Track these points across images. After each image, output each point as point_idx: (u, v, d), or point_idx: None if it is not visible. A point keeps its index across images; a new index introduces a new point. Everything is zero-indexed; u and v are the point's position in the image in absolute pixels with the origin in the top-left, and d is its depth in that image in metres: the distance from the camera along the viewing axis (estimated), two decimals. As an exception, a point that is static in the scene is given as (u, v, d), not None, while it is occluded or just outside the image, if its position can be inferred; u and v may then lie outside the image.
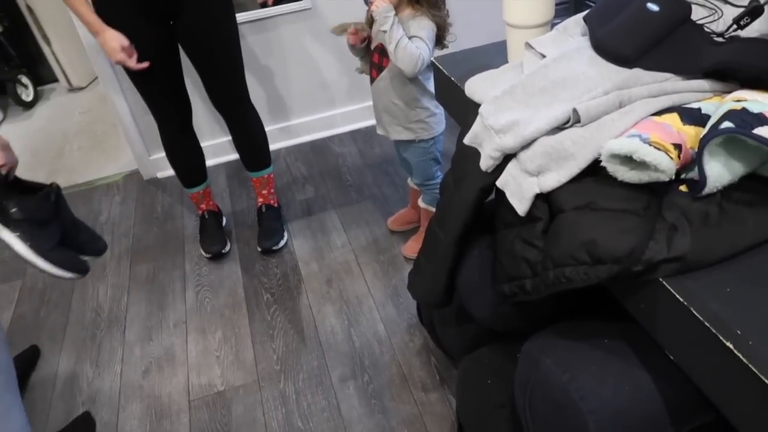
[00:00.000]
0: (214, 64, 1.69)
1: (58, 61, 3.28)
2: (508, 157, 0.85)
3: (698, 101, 0.76)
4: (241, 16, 2.21)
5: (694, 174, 0.70)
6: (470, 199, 0.92)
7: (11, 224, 1.17)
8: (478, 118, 0.88)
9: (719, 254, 0.65)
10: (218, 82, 1.72)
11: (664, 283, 0.64)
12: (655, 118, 0.73)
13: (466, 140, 0.91)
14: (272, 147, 2.39)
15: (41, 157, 2.77)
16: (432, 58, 1.25)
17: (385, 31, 1.42)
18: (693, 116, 0.72)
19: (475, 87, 0.98)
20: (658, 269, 0.65)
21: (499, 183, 0.85)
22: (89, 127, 2.98)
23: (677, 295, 0.63)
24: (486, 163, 0.86)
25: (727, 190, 0.68)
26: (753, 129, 0.63)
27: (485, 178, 0.89)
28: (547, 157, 0.78)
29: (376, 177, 2.26)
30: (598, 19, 0.88)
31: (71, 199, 2.39)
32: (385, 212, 2.07)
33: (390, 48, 1.44)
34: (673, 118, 0.72)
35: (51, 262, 1.19)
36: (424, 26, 1.47)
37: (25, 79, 3.26)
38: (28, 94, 3.26)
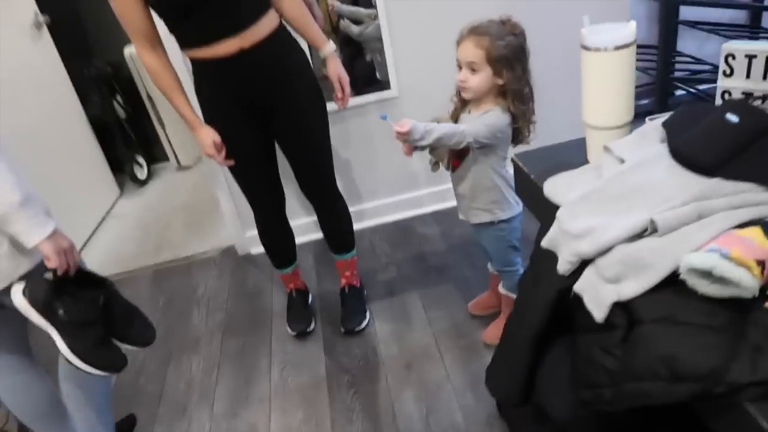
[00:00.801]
0: (305, 158, 1.81)
1: (170, 143, 3.62)
2: (585, 261, 0.86)
3: (784, 214, 0.74)
4: (332, 105, 2.36)
5: (781, 291, 0.68)
6: (548, 300, 0.92)
7: (57, 323, 1.30)
8: (555, 222, 0.90)
9: (811, 380, 0.62)
10: (307, 173, 1.85)
11: (749, 408, 0.62)
12: (737, 231, 0.72)
13: (544, 243, 0.92)
14: (357, 226, 2.48)
15: (150, 231, 3.02)
16: (512, 156, 1.29)
17: (433, 142, 1.47)
18: (778, 230, 0.71)
19: (553, 188, 1.01)
20: (742, 392, 0.63)
21: (576, 288, 0.86)
22: (193, 204, 3.23)
23: (764, 423, 0.60)
24: (563, 267, 0.87)
25: (819, 310, 0.65)
26: (842, 250, 0.61)
27: (563, 281, 0.89)
28: (624, 265, 0.78)
29: (457, 259, 2.29)
30: (677, 126, 0.89)
31: (173, 273, 2.59)
32: (466, 295, 2.07)
33: (443, 144, 1.49)
34: (756, 232, 0.71)
35: (86, 361, 1.32)
36: (493, 121, 1.51)
37: (141, 159, 3.61)
38: (142, 173, 3.60)
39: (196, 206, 3.19)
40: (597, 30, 1.03)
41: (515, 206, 1.66)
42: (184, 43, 1.61)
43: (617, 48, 1.00)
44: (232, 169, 1.80)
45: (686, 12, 2.91)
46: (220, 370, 1.99)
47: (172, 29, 1.59)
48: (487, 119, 1.51)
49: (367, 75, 2.43)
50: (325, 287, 2.29)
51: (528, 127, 1.60)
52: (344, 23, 2.39)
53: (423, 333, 1.96)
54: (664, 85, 2.66)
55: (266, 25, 1.60)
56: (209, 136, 1.67)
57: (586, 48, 1.02)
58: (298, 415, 1.75)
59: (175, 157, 3.66)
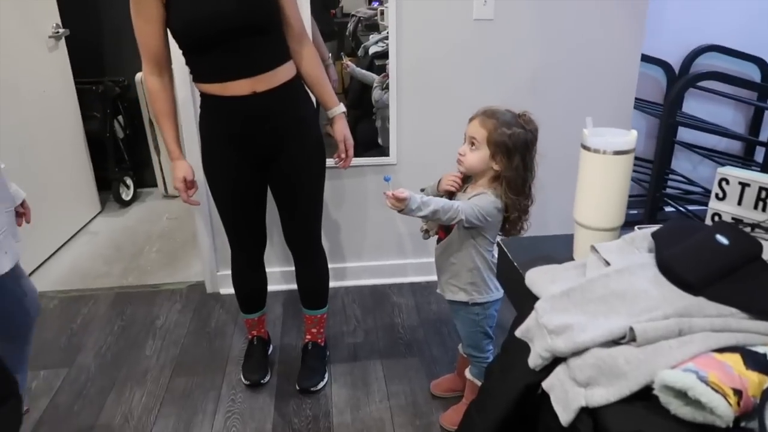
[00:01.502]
0: (295, 210, 1.80)
1: (161, 169, 3.61)
2: (558, 358, 0.83)
3: (765, 345, 0.73)
4: (333, 161, 2.37)
5: (754, 425, 0.65)
6: (513, 393, 0.89)
7: None
8: (533, 313, 0.87)
9: None
10: (294, 224, 1.83)
11: None
12: (716, 355, 0.70)
13: (518, 333, 0.90)
14: (333, 284, 2.44)
15: (123, 253, 2.95)
16: (499, 239, 1.28)
17: (428, 214, 1.46)
18: (758, 362, 0.69)
19: (535, 278, 0.99)
20: None
21: (545, 385, 0.82)
22: (171, 233, 3.18)
23: None
24: (534, 362, 0.84)
25: (792, 452, 0.63)
26: (820, 392, 0.59)
27: (532, 376, 0.86)
28: (597, 370, 0.75)
29: (428, 334, 2.24)
30: (667, 239, 0.88)
31: (136, 299, 2.51)
32: (431, 373, 2.01)
33: (440, 220, 1.49)
34: (736, 360, 0.69)
35: None
36: (482, 203, 1.51)
37: (129, 181, 3.58)
38: (127, 194, 3.56)
39: (174, 236, 3.13)
40: (599, 132, 1.05)
41: (494, 292, 1.64)
42: (198, 77, 1.62)
43: (616, 153, 1.01)
44: (219, 205, 1.78)
45: (684, 133, 3.02)
46: (162, 408, 1.89)
47: (188, 61, 1.61)
48: (478, 201, 1.52)
49: (370, 139, 2.46)
50: (288, 340, 2.22)
51: (521, 219, 1.61)
52: (374, 87, 2.44)
53: (380, 405, 1.88)
54: (655, 199, 2.72)
55: (282, 74, 1.62)
56: (182, 170, 1.67)
57: (586, 148, 1.03)
58: (234, 471, 1.65)
59: (164, 184, 3.64)
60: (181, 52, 1.61)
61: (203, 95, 1.65)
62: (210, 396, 1.94)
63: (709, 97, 2.96)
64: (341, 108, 1.78)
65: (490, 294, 1.64)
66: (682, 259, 0.82)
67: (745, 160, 3.09)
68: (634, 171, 3.04)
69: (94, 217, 3.35)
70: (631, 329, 0.75)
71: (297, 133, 1.69)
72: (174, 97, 1.68)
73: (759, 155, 3.10)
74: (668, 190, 3.00)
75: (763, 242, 0.83)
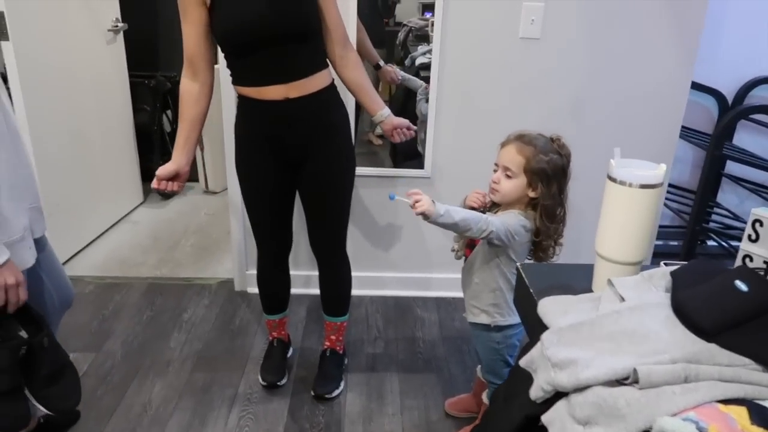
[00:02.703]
0: (321, 215, 1.82)
1: (204, 165, 3.70)
2: (560, 393, 0.81)
3: (775, 400, 0.69)
4: (367, 170, 2.40)
5: (754, 484, 0.62)
6: (514, 423, 0.87)
7: None
8: (539, 344, 0.86)
9: None
10: (321, 230, 1.85)
11: None
12: (720, 406, 0.68)
13: (522, 362, 0.88)
14: (359, 293, 2.46)
15: (159, 244, 3.04)
16: (518, 264, 1.26)
17: (456, 221, 1.43)
18: (764, 417, 0.66)
19: (547, 308, 0.97)
20: None
21: (544, 419, 0.81)
22: (208, 228, 3.25)
23: None
24: (536, 393, 0.83)
25: None
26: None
27: (534, 407, 0.85)
28: (597, 409, 0.74)
29: (448, 352, 2.22)
30: (685, 279, 0.86)
31: (166, 290, 2.58)
32: (447, 391, 1.99)
33: (469, 230, 1.46)
34: (741, 413, 0.66)
35: None
36: (510, 220, 1.49)
37: (172, 174, 3.67)
38: (170, 187, 3.65)
39: (209, 232, 3.20)
40: (626, 164, 1.02)
41: (516, 315, 1.61)
42: (236, 80, 1.66)
43: (643, 186, 0.98)
44: (247, 204, 1.81)
45: (734, 167, 2.91)
46: (180, 400, 1.93)
47: (228, 64, 1.65)
48: (505, 218, 1.50)
49: (411, 150, 2.46)
50: (309, 344, 2.24)
51: (553, 246, 1.58)
52: (418, 99, 2.46)
53: (392, 419, 1.88)
54: (695, 232, 2.63)
55: (317, 81, 1.64)
56: (169, 166, 1.65)
57: (611, 179, 1.01)
58: (242, 470, 1.67)
59: (205, 180, 3.73)
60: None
61: (240, 97, 1.69)
62: (227, 393, 1.97)
63: (761, 131, 2.85)
64: (387, 111, 1.78)
65: (513, 317, 1.61)
66: (698, 302, 0.80)
67: (796, 199, 2.95)
68: (677, 202, 2.98)
69: (137, 207, 3.46)
70: (635, 370, 0.72)
71: (326, 139, 1.71)
72: (202, 105, 1.67)
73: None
74: (712, 224, 2.90)
75: (785, 292, 0.80)
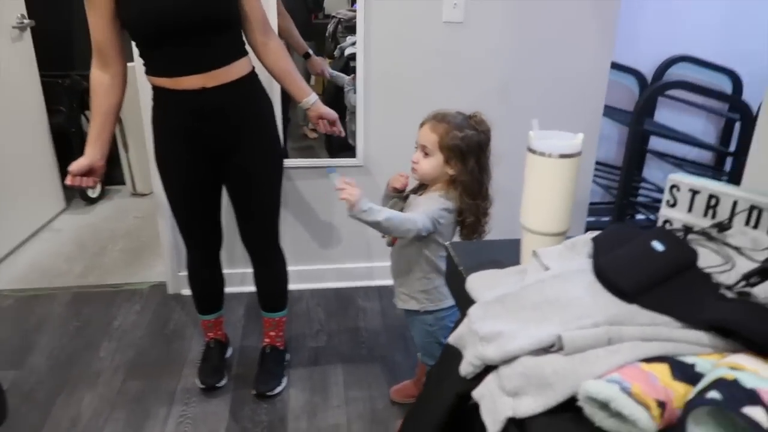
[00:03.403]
0: (250, 209, 1.76)
1: (130, 167, 3.54)
2: (490, 367, 0.80)
3: (695, 355, 0.70)
4: (300, 162, 2.35)
5: (678, 438, 0.62)
6: (446, 402, 0.86)
7: None
8: (466, 319, 0.85)
9: None
10: (251, 225, 1.79)
11: None
12: (643, 365, 0.68)
13: (451, 339, 0.87)
14: (299, 286, 2.41)
15: (84, 251, 2.88)
16: (446, 243, 1.25)
17: (379, 220, 1.43)
18: (685, 372, 0.67)
19: (475, 283, 0.96)
20: None
21: (474, 394, 0.79)
22: (137, 232, 3.11)
23: None
24: (465, 369, 0.81)
25: (713, 467, 0.60)
26: (742, 406, 0.56)
27: (464, 384, 0.83)
28: (525, 379, 0.73)
29: (391, 340, 2.21)
30: (605, 244, 0.86)
31: (94, 298, 2.45)
32: (391, 379, 1.98)
33: (392, 231, 1.45)
34: (663, 370, 0.67)
35: None
36: (428, 204, 1.48)
37: (96, 178, 3.50)
38: (94, 192, 3.48)
39: (139, 236, 3.07)
40: (545, 135, 1.02)
41: (447, 299, 1.60)
42: (150, 70, 1.58)
43: (562, 156, 0.98)
44: (170, 201, 1.73)
45: (657, 143, 3.02)
46: (112, 412, 1.83)
47: (141, 54, 1.57)
48: (427, 206, 1.49)
49: (343, 141, 2.42)
50: (249, 343, 2.18)
51: (481, 222, 1.58)
52: (346, 90, 2.42)
53: (337, 411, 1.85)
54: (623, 206, 2.72)
55: (236, 70, 1.58)
56: (82, 161, 1.56)
57: (531, 151, 1.01)
58: (181, 478, 1.60)
59: (132, 182, 3.57)
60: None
61: (154, 88, 1.60)
62: (163, 400, 1.89)
63: (681, 107, 2.97)
64: (314, 96, 1.74)
65: (443, 302, 1.60)
66: (617, 265, 0.80)
67: (715, 170, 3.10)
68: (606, 178, 3.06)
69: (59, 213, 3.28)
70: (560, 337, 0.72)
71: (252, 130, 1.65)
72: (115, 97, 1.58)
73: (729, 166, 3.12)
74: (640, 198, 3.01)
75: (699, 249, 0.81)
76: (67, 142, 3.30)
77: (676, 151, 3.05)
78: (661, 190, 3.03)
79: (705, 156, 3.22)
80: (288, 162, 2.30)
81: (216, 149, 1.65)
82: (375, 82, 2.30)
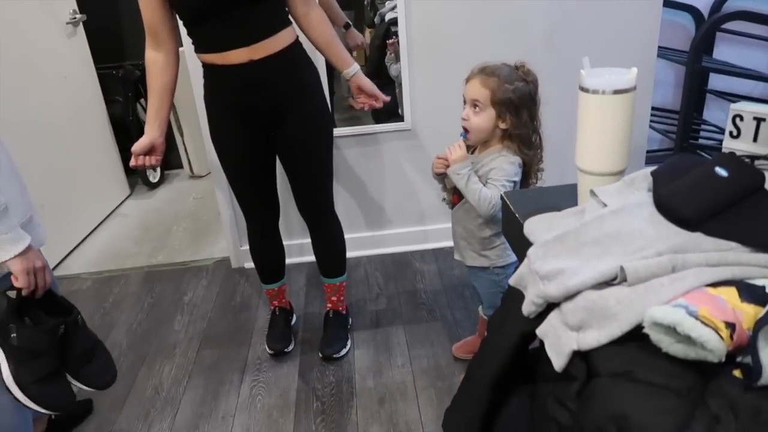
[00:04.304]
0: (304, 177, 1.79)
1: (186, 150, 3.65)
2: (552, 305, 0.81)
3: (764, 278, 0.68)
4: (348, 130, 2.37)
5: (750, 359, 0.62)
6: (510, 342, 0.87)
7: (6, 347, 1.20)
8: (525, 260, 0.85)
9: (769, 460, 0.55)
10: (305, 192, 1.82)
11: (696, 483, 0.55)
12: (709, 289, 0.67)
13: (512, 281, 0.88)
14: (356, 254, 2.45)
15: (151, 233, 3.02)
16: (502, 193, 1.25)
17: (462, 185, 1.48)
18: (754, 294, 0.65)
19: (533, 227, 0.96)
20: (693, 464, 0.57)
21: (539, 332, 0.80)
22: (198, 212, 3.23)
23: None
24: (528, 309, 0.82)
25: (789, 386, 0.59)
26: (815, 320, 0.55)
27: (527, 324, 0.84)
28: (589, 312, 0.73)
29: (450, 299, 2.22)
30: (666, 176, 0.84)
31: (164, 276, 2.57)
32: (453, 337, 2.00)
33: (467, 197, 1.48)
34: (730, 293, 0.65)
35: (27, 395, 1.20)
36: (504, 168, 1.48)
37: (155, 163, 3.63)
38: (155, 177, 3.62)
39: (200, 215, 3.18)
40: (597, 73, 1.00)
41: (512, 254, 1.61)
42: (198, 47, 1.62)
43: (616, 92, 0.96)
44: (228, 175, 1.79)
45: (717, 82, 2.88)
46: (190, 379, 1.94)
47: (189, 32, 1.61)
48: (498, 169, 1.49)
49: (390, 107, 2.42)
50: (312, 310, 2.24)
51: (535, 174, 1.57)
52: (388, 62, 2.41)
53: (402, 370, 1.89)
54: (683, 149, 2.61)
55: (280, 40, 1.60)
56: (143, 141, 1.61)
57: (584, 90, 0.99)
58: (260, 437, 1.69)
59: (189, 165, 3.69)
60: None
61: (204, 65, 1.64)
62: (236, 367, 1.98)
63: (742, 41, 2.81)
64: (356, 67, 1.75)
65: (510, 256, 1.61)
66: (679, 194, 0.78)
67: (781, 105, 2.93)
68: (664, 123, 2.94)
69: (124, 199, 3.43)
70: (622, 269, 0.71)
71: (299, 99, 1.67)
72: (170, 75, 1.63)
73: (796, 99, 2.94)
74: (701, 141, 2.88)
75: (766, 173, 0.79)
76: (125, 130, 3.43)
77: (739, 89, 2.90)
78: (723, 131, 2.90)
79: (769, 92, 3.04)
80: (338, 131, 2.32)
81: (266, 120, 1.68)
82: (417, 43, 2.27)
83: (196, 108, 2.22)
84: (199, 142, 3.53)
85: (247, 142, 1.72)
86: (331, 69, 2.21)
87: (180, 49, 1.67)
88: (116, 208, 3.32)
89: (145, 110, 3.47)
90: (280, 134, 1.71)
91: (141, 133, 3.47)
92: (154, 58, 1.60)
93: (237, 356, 2.03)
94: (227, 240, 2.59)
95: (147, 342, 2.14)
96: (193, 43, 1.63)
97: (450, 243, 2.54)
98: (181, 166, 3.74)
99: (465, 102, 1.52)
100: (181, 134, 3.60)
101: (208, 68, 1.64)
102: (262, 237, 1.93)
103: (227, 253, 2.64)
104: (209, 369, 1.98)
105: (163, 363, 2.03)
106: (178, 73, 1.66)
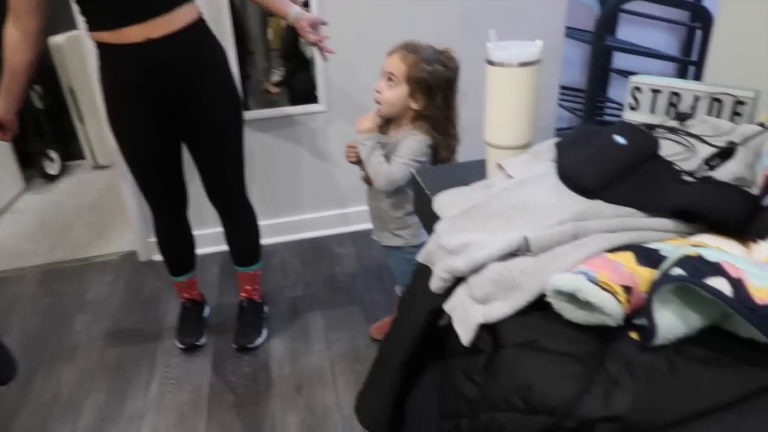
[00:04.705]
0: (214, 164, 1.70)
1: (88, 140, 3.41)
2: (460, 280, 0.79)
3: (660, 241, 0.69)
4: (263, 113, 2.28)
5: (646, 321, 0.62)
6: (419, 319, 0.85)
7: None
8: (433, 236, 0.83)
9: (665, 417, 0.56)
10: (215, 180, 1.74)
11: (599, 447, 0.55)
12: (608, 255, 0.67)
13: (420, 257, 0.85)
14: (272, 240, 2.38)
15: (49, 229, 2.80)
16: (411, 170, 1.24)
17: (364, 158, 1.48)
18: (650, 257, 0.66)
19: (442, 203, 0.94)
20: (595, 428, 0.56)
21: (446, 307, 0.78)
22: (102, 204, 3.03)
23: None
24: (436, 284, 0.80)
25: (683, 345, 0.60)
26: (705, 278, 0.56)
27: (435, 300, 0.82)
28: (494, 285, 0.72)
29: (367, 281, 2.20)
30: (568, 146, 0.84)
31: (64, 274, 2.39)
32: (371, 318, 1.99)
33: (368, 169, 1.46)
34: (628, 257, 0.66)
35: None
36: (410, 146, 1.47)
37: (53, 154, 3.37)
38: (53, 168, 3.36)
39: (104, 207, 2.99)
40: (503, 46, 0.99)
41: (425, 234, 1.60)
42: (90, 25, 1.49)
43: (521, 64, 0.95)
44: (129, 164, 1.67)
45: (620, 61, 3.00)
46: (94, 382, 1.81)
47: (80, 10, 1.47)
48: (406, 147, 1.47)
49: (307, 90, 2.35)
50: (226, 300, 2.15)
51: (450, 160, 1.56)
52: (303, 42, 2.32)
53: (319, 355, 1.85)
54: (589, 128, 2.71)
55: (180, 17, 1.49)
56: None
57: (490, 63, 0.98)
58: (171, 435, 1.60)
59: (92, 154, 3.45)
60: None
61: (98, 45, 1.51)
62: (144, 365, 1.87)
63: (642, 22, 2.94)
64: (298, 8, 1.66)
65: (425, 236, 1.60)
66: (579, 163, 0.78)
67: (677, 84, 3.10)
68: (571, 101, 3.04)
69: (19, 195, 3.16)
70: (526, 239, 0.71)
71: (206, 81, 1.57)
72: (22, 56, 1.49)
73: (692, 77, 3.12)
74: (606, 118, 3.00)
75: (661, 142, 0.80)
76: (19, 121, 3.15)
77: (640, 68, 3.03)
78: (625, 110, 3.04)
79: (668, 71, 3.21)
80: (251, 114, 2.23)
81: (170, 105, 1.57)
82: (331, 24, 2.20)
83: (96, 95, 2.06)
84: (102, 131, 3.29)
85: (150, 129, 1.60)
86: (241, 51, 2.13)
87: (74, 32, 1.52)
88: (10, 203, 3.06)
89: (40, 97, 3.24)
90: (187, 119, 1.60)
91: (37, 122, 3.19)
92: (9, 36, 1.46)
93: (145, 354, 1.91)
94: (134, 232, 2.45)
95: (45, 345, 1.98)
96: (85, 22, 1.50)
97: (369, 225, 2.54)
98: (83, 157, 3.50)
99: (382, 74, 1.49)
100: (82, 122, 3.35)
101: (102, 48, 1.51)
102: (171, 229, 1.82)
103: (134, 247, 2.49)
104: (114, 369, 1.86)
105: (62, 367, 1.88)
106: (44, 54, 1.52)
